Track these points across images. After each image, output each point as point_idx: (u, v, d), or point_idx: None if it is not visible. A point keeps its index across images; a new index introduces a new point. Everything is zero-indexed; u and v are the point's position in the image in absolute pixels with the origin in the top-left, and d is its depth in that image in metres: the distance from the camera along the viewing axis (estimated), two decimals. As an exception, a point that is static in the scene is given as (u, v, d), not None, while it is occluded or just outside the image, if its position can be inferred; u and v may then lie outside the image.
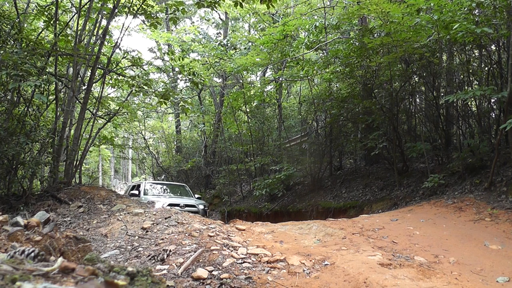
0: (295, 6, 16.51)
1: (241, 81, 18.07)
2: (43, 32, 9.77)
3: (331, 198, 12.09)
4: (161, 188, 11.79)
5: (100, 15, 9.34)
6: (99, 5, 8.85)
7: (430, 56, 9.21)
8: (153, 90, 10.75)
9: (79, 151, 9.10)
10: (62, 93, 10.01)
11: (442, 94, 10.46)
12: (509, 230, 5.80)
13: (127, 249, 4.66)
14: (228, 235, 5.07)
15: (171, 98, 10.56)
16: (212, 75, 18.51)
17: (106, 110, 11.64)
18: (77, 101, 9.22)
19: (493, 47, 9.74)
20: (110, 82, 11.60)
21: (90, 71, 9.32)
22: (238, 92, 16.50)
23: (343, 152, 14.84)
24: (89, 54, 8.79)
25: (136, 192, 10.67)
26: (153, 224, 5.52)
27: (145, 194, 10.59)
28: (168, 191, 11.61)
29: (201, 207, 9.96)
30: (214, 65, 16.94)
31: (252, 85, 17.55)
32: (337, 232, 5.66)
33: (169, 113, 25.71)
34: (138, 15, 9.46)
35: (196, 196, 11.61)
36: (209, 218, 9.41)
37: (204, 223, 5.74)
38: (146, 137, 22.24)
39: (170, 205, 9.13)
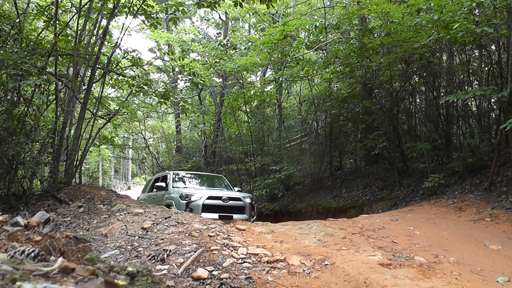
0: (295, 6, 16.53)
1: (241, 81, 18.07)
2: (43, 32, 9.75)
3: (331, 198, 12.10)
4: (193, 179, 9.98)
5: (100, 15, 9.34)
6: (99, 5, 8.85)
7: (430, 56, 9.21)
8: (153, 90, 10.72)
9: (79, 151, 9.09)
10: (62, 93, 9.99)
11: (442, 94, 10.46)
12: (509, 230, 5.79)
13: (127, 249, 4.65)
14: (228, 235, 5.08)
15: (171, 98, 10.51)
16: (212, 75, 18.49)
17: (106, 110, 11.61)
18: (77, 101, 9.21)
19: (493, 47, 9.74)
20: (110, 82, 11.60)
21: (90, 71, 9.30)
22: (238, 92, 16.50)
23: (343, 152, 14.85)
24: (89, 54, 8.79)
25: (163, 184, 8.92)
26: (153, 224, 5.52)
27: (174, 186, 8.79)
28: (203, 182, 9.86)
29: (248, 200, 8.26)
30: (214, 65, 16.93)
31: (252, 85, 17.55)
32: (337, 232, 5.66)
33: (169, 113, 25.72)
34: (138, 15, 9.47)
35: (236, 189, 9.83)
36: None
37: (204, 223, 5.75)
38: (146, 137, 22.23)
39: (210, 198, 7.78)
